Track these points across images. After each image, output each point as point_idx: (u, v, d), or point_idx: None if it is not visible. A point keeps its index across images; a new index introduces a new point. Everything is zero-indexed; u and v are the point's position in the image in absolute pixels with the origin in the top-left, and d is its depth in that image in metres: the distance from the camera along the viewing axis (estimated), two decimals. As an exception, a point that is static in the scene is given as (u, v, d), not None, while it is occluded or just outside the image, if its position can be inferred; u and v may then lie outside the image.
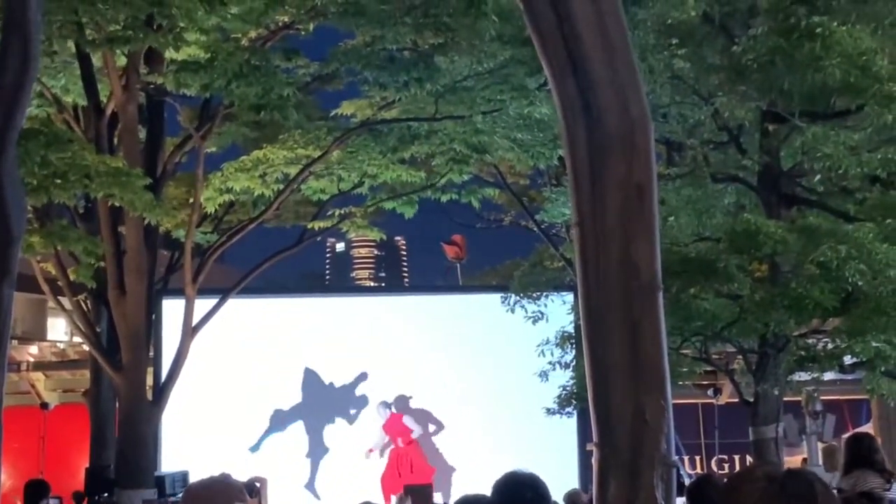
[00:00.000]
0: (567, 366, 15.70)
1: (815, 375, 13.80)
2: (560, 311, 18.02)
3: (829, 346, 13.00)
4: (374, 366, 20.22)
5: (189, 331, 17.12)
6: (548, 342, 16.04)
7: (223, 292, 18.37)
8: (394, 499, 18.85)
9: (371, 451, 20.18)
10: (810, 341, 13.24)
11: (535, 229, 23.38)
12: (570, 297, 18.70)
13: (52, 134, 13.38)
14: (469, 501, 6.53)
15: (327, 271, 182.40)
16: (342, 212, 20.97)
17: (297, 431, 20.30)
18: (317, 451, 20.25)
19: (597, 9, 4.57)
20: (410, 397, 20.51)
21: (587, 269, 4.43)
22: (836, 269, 11.46)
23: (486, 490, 5.04)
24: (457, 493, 19.14)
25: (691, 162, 14.24)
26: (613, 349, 4.32)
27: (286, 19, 17.40)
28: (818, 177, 13.72)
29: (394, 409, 20.35)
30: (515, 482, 4.99)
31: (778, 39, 11.41)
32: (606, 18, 4.58)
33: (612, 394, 4.31)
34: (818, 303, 11.47)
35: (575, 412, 16.48)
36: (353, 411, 20.33)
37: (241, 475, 10.14)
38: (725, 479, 3.06)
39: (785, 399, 14.28)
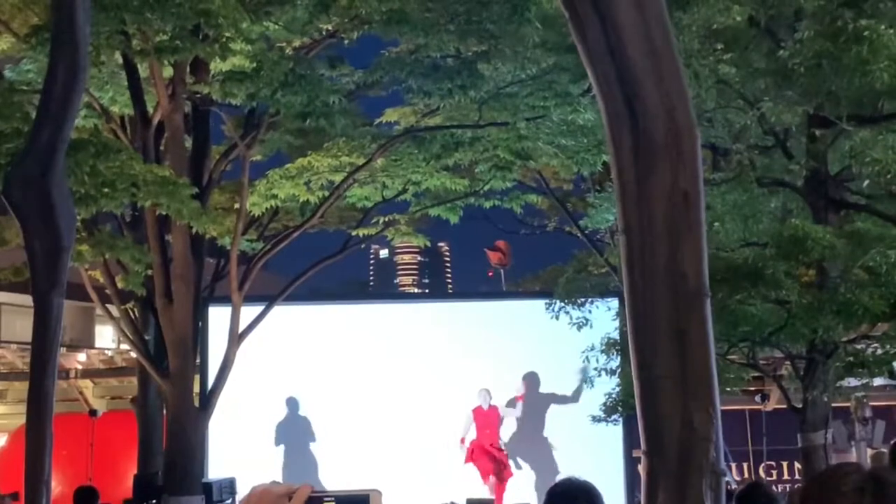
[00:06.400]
0: (612, 372, 15.67)
1: (865, 381, 13.73)
2: (605, 317, 17.96)
3: (879, 351, 12.92)
4: (417, 371, 20.18)
5: (235, 338, 17.22)
6: (593, 348, 16.02)
7: (269, 300, 18.46)
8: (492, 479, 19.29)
9: (463, 440, 19.99)
10: (859, 347, 13.15)
11: (579, 235, 23.31)
12: (614, 302, 18.63)
13: (101, 144, 13.49)
14: None
15: (371, 278, 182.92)
16: (386, 219, 21.04)
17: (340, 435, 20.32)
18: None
19: (642, 15, 4.56)
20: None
21: (633, 276, 4.42)
22: (885, 274, 11.40)
23: (540, 496, 5.00)
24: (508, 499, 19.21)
25: (737, 167, 14.16)
26: (660, 356, 4.31)
27: (330, 28, 17.44)
28: (866, 181, 13.61)
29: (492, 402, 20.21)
30: (571, 490, 4.92)
31: (824, 43, 11.33)
32: (652, 25, 4.57)
33: (660, 401, 4.29)
34: (867, 308, 11.38)
35: (621, 419, 16.44)
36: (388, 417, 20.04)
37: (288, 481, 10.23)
38: (805, 484, 2.90)
39: (834, 405, 14.16)
